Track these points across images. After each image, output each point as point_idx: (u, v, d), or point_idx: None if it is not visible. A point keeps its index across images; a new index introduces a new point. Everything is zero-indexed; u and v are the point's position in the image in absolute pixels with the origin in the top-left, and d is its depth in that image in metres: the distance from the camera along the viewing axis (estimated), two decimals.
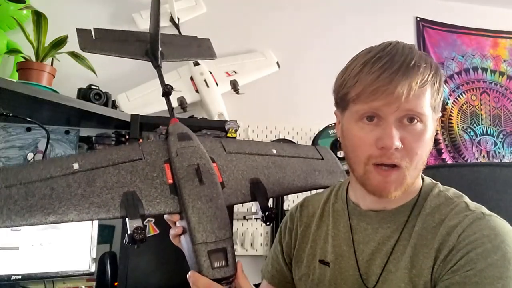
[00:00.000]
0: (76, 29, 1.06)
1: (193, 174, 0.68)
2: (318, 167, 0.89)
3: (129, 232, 0.63)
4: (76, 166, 0.69)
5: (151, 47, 1.02)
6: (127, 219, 0.65)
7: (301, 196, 0.94)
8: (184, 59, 1.15)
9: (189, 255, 0.65)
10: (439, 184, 0.73)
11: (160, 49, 1.00)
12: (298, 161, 0.88)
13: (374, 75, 0.64)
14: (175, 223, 0.74)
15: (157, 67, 1.00)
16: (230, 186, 0.75)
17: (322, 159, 0.91)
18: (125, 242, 0.64)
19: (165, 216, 0.73)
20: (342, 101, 0.71)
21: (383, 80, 0.63)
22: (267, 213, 0.75)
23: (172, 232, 0.74)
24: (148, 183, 0.69)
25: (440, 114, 0.71)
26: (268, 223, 0.76)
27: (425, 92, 0.65)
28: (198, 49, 1.17)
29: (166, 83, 2.30)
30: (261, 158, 0.83)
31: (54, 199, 0.64)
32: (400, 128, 0.64)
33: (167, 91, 0.94)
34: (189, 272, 0.64)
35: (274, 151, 0.86)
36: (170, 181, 0.70)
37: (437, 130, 2.62)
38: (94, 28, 1.05)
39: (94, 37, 1.03)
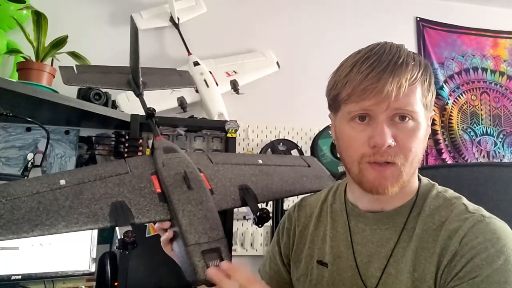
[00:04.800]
0: (59, 66, 1.08)
1: (180, 181, 0.68)
2: (305, 173, 0.91)
3: (119, 237, 0.63)
4: (62, 182, 0.69)
5: (132, 77, 1.04)
6: (116, 228, 0.64)
7: (300, 197, 0.94)
8: (165, 87, 1.18)
9: (182, 259, 0.65)
10: (437, 184, 0.73)
11: (141, 78, 1.02)
12: (285, 168, 0.90)
13: (362, 75, 0.64)
14: (165, 230, 0.73)
15: (140, 95, 1.02)
16: (219, 192, 0.76)
17: (309, 166, 0.92)
18: (116, 247, 0.64)
19: (156, 225, 0.73)
20: (334, 102, 0.71)
21: (371, 79, 0.63)
22: (258, 214, 0.74)
23: (163, 238, 0.73)
24: (137, 193, 0.69)
25: (432, 113, 0.71)
26: (260, 225, 0.75)
27: (415, 90, 0.65)
28: (179, 78, 1.19)
29: None
30: (247, 167, 0.84)
31: (41, 211, 0.63)
32: (392, 126, 0.64)
33: (150, 113, 0.94)
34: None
35: (260, 161, 0.87)
36: (159, 190, 0.70)
37: (437, 130, 2.63)
38: (76, 65, 1.09)
39: (76, 72, 1.06)
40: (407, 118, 0.64)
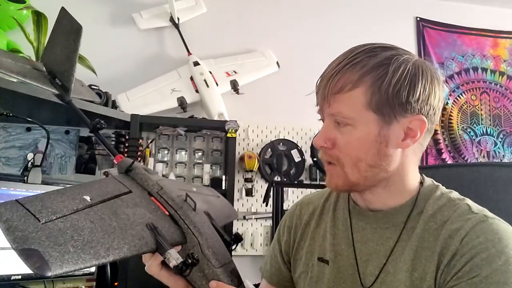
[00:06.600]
0: None
1: (186, 204, 0.66)
2: (223, 201, 0.92)
3: (181, 260, 0.57)
4: (87, 198, 0.59)
5: (59, 77, 0.84)
6: (168, 250, 0.58)
7: (300, 196, 0.95)
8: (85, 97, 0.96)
9: (205, 282, 0.63)
10: (441, 186, 0.73)
11: (60, 82, 0.82)
12: (213, 198, 0.89)
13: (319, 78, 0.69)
14: (152, 254, 0.64)
15: (69, 102, 0.83)
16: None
17: (219, 197, 0.92)
18: (177, 271, 0.57)
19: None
20: None
21: (317, 83, 0.68)
22: (233, 236, 0.74)
23: (154, 261, 0.63)
24: (155, 215, 0.64)
25: (412, 114, 0.64)
26: (234, 248, 0.76)
27: (353, 94, 0.63)
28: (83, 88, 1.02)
29: (165, 83, 2.29)
30: (193, 194, 0.74)
31: (100, 232, 0.53)
32: (336, 129, 0.66)
33: (98, 127, 0.78)
34: (211, 282, 0.59)
35: (194, 189, 0.85)
36: (167, 213, 0.66)
37: (437, 130, 2.63)
38: None
39: None
40: (344, 123, 0.65)
